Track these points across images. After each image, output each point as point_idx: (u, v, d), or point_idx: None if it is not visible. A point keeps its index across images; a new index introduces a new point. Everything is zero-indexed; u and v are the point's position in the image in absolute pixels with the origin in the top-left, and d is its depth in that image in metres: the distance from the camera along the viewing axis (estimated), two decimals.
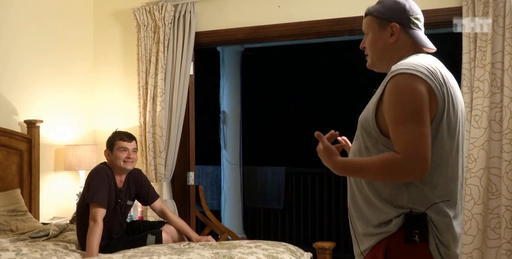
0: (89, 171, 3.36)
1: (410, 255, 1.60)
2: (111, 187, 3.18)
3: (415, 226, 1.59)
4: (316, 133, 1.74)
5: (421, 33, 1.77)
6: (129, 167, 3.28)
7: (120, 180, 3.29)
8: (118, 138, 3.29)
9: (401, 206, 1.61)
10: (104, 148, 3.32)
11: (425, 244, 1.59)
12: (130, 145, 3.29)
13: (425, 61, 1.65)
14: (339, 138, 1.92)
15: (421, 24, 1.78)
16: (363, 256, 1.70)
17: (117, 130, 3.43)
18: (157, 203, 3.44)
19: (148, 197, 3.42)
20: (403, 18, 1.74)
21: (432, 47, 1.77)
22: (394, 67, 1.64)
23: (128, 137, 3.32)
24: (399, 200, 1.61)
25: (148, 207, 3.59)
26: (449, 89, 1.63)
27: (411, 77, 1.57)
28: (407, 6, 1.75)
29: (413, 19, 1.75)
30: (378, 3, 1.80)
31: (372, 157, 1.63)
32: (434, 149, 1.58)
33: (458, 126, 1.66)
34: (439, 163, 1.61)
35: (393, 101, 1.58)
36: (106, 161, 3.33)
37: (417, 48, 1.75)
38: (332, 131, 1.87)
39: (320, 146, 1.73)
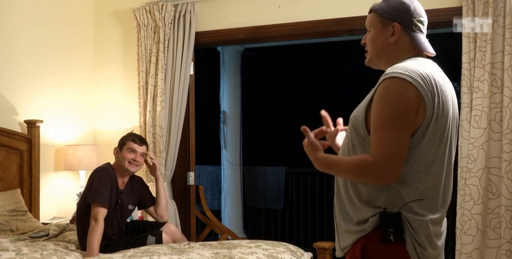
0: (90, 171, 3.36)
1: (387, 255, 1.62)
2: (113, 188, 3.19)
3: (389, 225, 1.60)
4: (302, 128, 1.79)
5: (422, 37, 1.76)
6: (133, 169, 3.29)
7: (122, 181, 3.29)
8: (130, 139, 3.32)
9: (377, 206, 1.63)
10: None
11: (402, 243, 1.60)
12: (140, 149, 3.31)
13: (421, 67, 1.63)
14: (337, 120, 1.97)
15: (423, 27, 1.77)
16: (343, 253, 1.73)
17: (133, 132, 3.47)
18: (151, 208, 3.49)
19: (147, 203, 3.48)
20: (406, 19, 1.73)
21: (432, 51, 1.77)
22: (388, 70, 1.64)
23: (140, 140, 3.36)
24: (376, 200, 1.63)
25: None
26: (441, 97, 1.62)
27: (402, 83, 1.57)
28: (412, 8, 1.74)
29: (415, 21, 1.74)
30: (384, 1, 1.79)
31: (348, 156, 1.67)
32: (416, 156, 1.59)
33: (447, 134, 1.66)
34: (420, 169, 1.61)
35: (379, 104, 1.59)
36: (108, 162, 3.34)
37: (417, 51, 1.74)
38: (323, 127, 1.91)
39: (305, 141, 1.79)
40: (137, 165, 3.30)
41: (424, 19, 1.77)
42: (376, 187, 1.63)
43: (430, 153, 1.62)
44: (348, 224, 1.70)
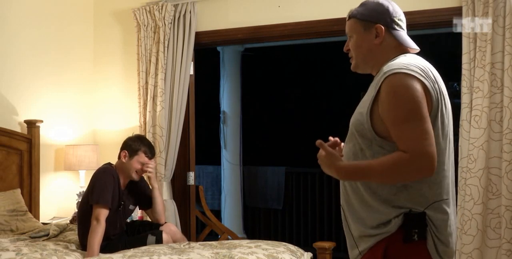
0: (90, 171, 3.36)
1: (408, 254, 1.61)
2: (115, 189, 3.18)
3: (414, 226, 1.59)
4: (318, 142, 1.69)
5: (404, 34, 1.78)
6: (136, 178, 3.30)
7: (123, 182, 3.29)
8: (143, 150, 3.27)
9: (399, 206, 1.61)
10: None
11: (422, 242, 1.60)
12: (149, 162, 3.31)
13: (415, 61, 1.67)
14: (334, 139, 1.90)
15: (404, 24, 1.79)
16: (361, 256, 1.70)
17: (143, 136, 3.42)
18: (149, 210, 3.46)
19: (145, 205, 3.45)
20: (387, 19, 1.75)
21: (415, 47, 1.79)
22: (386, 68, 1.65)
23: (152, 154, 3.34)
24: (398, 200, 1.61)
25: None
26: (440, 88, 1.66)
27: (406, 76, 1.58)
28: (390, 8, 1.76)
29: (396, 20, 1.76)
30: (360, 5, 1.82)
31: (377, 159, 1.61)
32: None
33: (449, 123, 1.68)
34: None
35: (391, 101, 1.59)
36: (109, 162, 3.33)
37: (402, 48, 1.76)
38: (337, 139, 1.85)
39: (321, 153, 1.69)
40: (142, 175, 3.34)
41: (403, 17, 1.79)
42: (394, 186, 1.61)
43: (440, 144, 1.63)
44: (365, 229, 1.67)
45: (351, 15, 1.82)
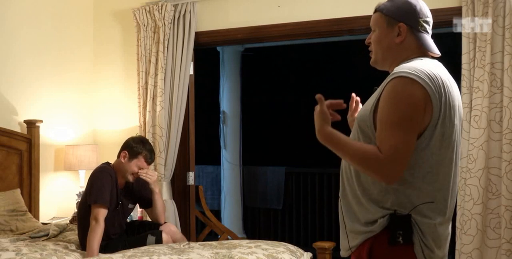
0: (90, 171, 3.35)
1: (394, 257, 1.61)
2: (113, 188, 3.17)
3: (398, 227, 1.59)
4: (317, 96, 1.74)
5: (428, 37, 1.75)
6: (132, 180, 3.29)
7: (121, 181, 3.28)
8: (144, 155, 3.25)
9: (386, 208, 1.62)
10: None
11: (409, 246, 1.60)
12: (147, 167, 3.31)
13: (428, 67, 1.63)
14: (356, 98, 1.97)
15: (429, 28, 1.76)
16: (350, 252, 1.72)
17: (146, 140, 3.40)
18: (149, 209, 3.45)
19: (145, 204, 3.44)
20: (412, 19, 1.72)
21: (437, 52, 1.76)
22: (396, 69, 1.64)
23: (152, 160, 3.33)
24: (385, 201, 1.62)
25: None
26: (448, 97, 1.62)
27: (410, 82, 1.57)
28: (418, 8, 1.72)
29: (421, 21, 1.72)
30: (389, 0, 1.78)
31: (358, 142, 1.65)
32: (424, 157, 1.59)
33: (454, 135, 1.65)
34: (428, 171, 1.61)
35: (387, 103, 1.58)
36: (107, 161, 3.32)
37: (422, 51, 1.73)
38: (341, 101, 1.85)
39: (317, 108, 1.73)
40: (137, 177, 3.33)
41: (430, 19, 1.76)
42: (384, 188, 1.62)
43: (438, 154, 1.62)
44: (354, 224, 1.69)
45: (378, 9, 1.78)
